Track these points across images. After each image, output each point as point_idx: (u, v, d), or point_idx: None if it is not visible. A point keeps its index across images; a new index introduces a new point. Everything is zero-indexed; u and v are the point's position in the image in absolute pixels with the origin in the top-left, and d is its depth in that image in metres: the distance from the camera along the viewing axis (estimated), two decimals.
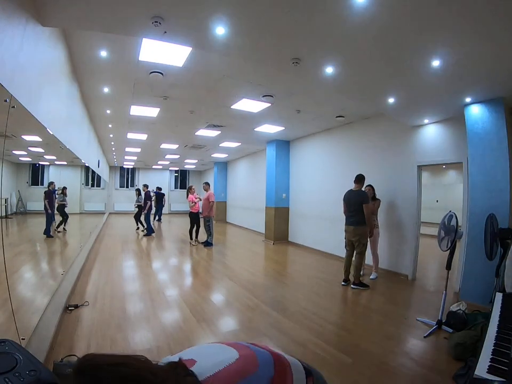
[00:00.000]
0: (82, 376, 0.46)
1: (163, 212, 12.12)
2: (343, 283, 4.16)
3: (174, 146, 9.15)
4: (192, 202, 6.97)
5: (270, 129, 6.40)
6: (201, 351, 0.75)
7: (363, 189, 4.27)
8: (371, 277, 4.45)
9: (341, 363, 2.23)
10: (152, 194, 9.66)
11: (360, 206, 4.01)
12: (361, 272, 4.31)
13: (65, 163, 4.64)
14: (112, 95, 4.42)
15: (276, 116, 5.40)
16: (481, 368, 1.14)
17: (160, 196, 11.05)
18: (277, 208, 7.55)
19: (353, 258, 4.17)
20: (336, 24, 2.13)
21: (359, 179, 4.19)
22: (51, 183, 3.87)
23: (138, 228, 9.11)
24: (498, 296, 1.82)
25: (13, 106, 1.68)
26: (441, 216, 3.05)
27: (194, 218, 7.06)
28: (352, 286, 4.02)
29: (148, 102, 4.72)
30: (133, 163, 14.62)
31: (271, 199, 7.69)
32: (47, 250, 4.33)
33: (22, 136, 2.65)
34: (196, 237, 7.17)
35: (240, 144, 8.49)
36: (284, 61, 2.72)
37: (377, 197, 4.57)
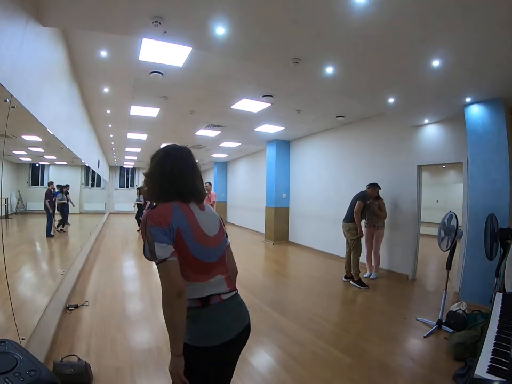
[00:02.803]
0: None
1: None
2: (343, 279, 4.33)
3: None
4: None
5: (270, 129, 6.40)
6: None
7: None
8: (371, 276, 4.46)
9: (341, 363, 2.23)
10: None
11: (353, 204, 4.21)
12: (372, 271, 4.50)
13: (65, 163, 4.63)
14: (112, 95, 4.42)
15: (276, 116, 5.39)
16: (481, 368, 1.13)
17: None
18: (277, 208, 7.55)
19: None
20: (336, 24, 2.13)
21: (369, 185, 4.38)
22: (50, 183, 3.86)
23: (140, 229, 9.05)
24: (498, 296, 1.83)
25: (13, 106, 1.68)
26: (441, 216, 3.05)
27: None
28: (351, 282, 4.15)
29: (148, 102, 4.72)
30: (133, 163, 14.62)
31: (271, 199, 7.68)
32: (47, 250, 4.33)
33: (22, 136, 2.65)
34: None
35: (240, 144, 8.49)
36: (284, 61, 2.72)
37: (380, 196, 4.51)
